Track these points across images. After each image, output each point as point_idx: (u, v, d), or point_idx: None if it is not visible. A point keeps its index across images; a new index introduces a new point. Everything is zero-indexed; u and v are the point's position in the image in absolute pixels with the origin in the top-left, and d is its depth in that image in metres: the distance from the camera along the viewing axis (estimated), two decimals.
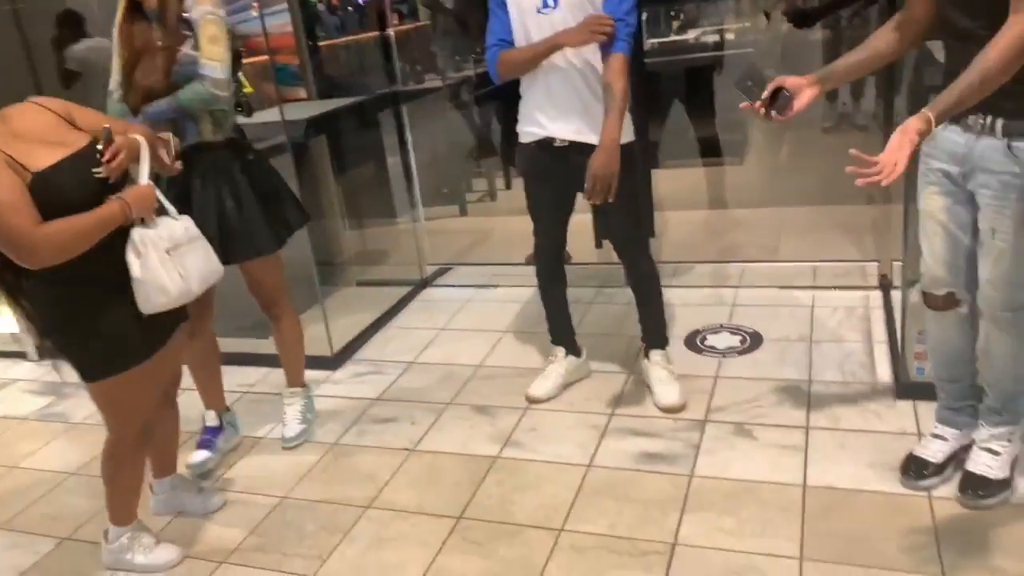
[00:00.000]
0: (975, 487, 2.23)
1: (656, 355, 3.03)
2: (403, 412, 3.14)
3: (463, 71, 5.41)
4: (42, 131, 2.06)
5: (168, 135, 2.35)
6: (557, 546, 2.30)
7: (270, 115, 3.65)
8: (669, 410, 2.88)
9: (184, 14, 2.51)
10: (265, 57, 3.82)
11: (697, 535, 2.27)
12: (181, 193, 2.57)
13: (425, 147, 5.56)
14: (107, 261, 2.10)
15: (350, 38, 4.97)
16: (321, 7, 4.80)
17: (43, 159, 1.99)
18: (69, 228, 1.99)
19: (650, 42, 4.84)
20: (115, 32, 2.57)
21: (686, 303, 3.72)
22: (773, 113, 2.10)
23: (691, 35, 5.14)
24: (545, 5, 2.61)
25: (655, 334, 3.05)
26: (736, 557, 2.17)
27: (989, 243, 2.04)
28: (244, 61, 3.78)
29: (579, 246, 3.68)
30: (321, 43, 4.60)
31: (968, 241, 2.13)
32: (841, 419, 2.71)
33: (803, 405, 2.82)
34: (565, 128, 2.71)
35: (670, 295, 3.51)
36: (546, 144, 2.75)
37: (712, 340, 3.37)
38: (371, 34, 4.59)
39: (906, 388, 2.76)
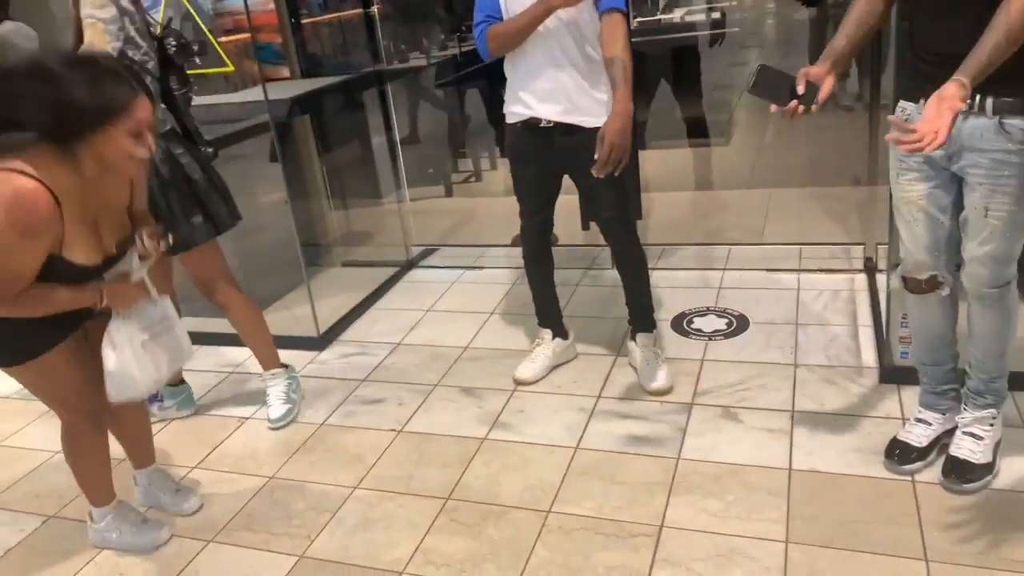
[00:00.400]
0: (958, 472, 2.26)
1: (643, 338, 3.04)
2: (390, 393, 3.14)
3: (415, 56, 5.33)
4: (109, 213, 2.07)
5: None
6: (545, 527, 2.32)
7: (253, 94, 3.62)
8: (656, 393, 2.89)
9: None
10: (247, 35, 3.78)
11: (684, 517, 2.29)
12: None
13: (410, 127, 5.54)
14: None
15: (333, 15, 4.92)
16: None
17: (79, 252, 1.99)
18: (42, 297, 1.99)
19: (636, 20, 4.82)
20: None
21: (673, 285, 3.73)
22: (801, 108, 1.99)
23: (677, 14, 5.12)
24: None
25: (642, 317, 3.06)
26: (722, 539, 2.19)
27: (980, 221, 2.05)
28: (224, 40, 3.75)
29: (566, 228, 3.68)
30: (304, 21, 4.55)
31: (948, 223, 2.14)
32: (826, 403, 2.73)
33: (789, 389, 2.84)
34: (551, 109, 2.70)
35: (657, 277, 3.52)
36: (532, 125, 2.74)
37: (699, 323, 3.39)
38: (355, 12, 4.55)
39: (890, 372, 2.79)
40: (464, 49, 5.21)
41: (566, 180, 2.89)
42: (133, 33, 2.59)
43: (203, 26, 3.73)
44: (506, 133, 2.86)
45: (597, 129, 2.67)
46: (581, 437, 2.71)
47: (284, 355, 3.51)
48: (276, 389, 3.04)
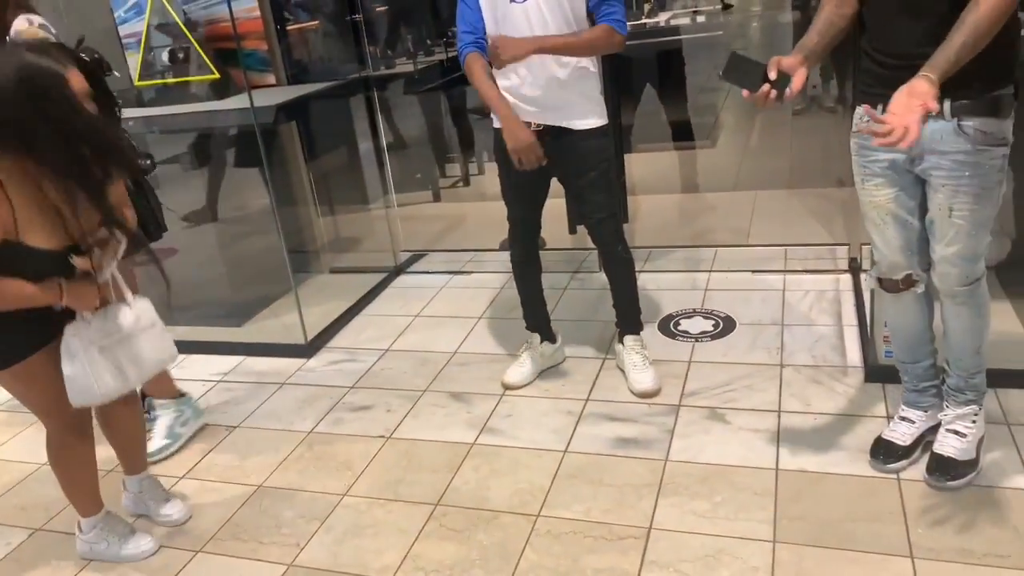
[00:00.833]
0: (942, 469, 2.27)
1: (630, 340, 3.05)
2: (379, 399, 3.14)
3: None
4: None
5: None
6: (534, 531, 2.32)
7: (238, 101, 3.62)
8: (644, 395, 2.90)
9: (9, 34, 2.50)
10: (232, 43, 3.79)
11: (672, 519, 2.30)
12: None
13: (397, 132, 5.54)
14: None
15: (320, 22, 4.91)
16: None
17: (39, 236, 1.97)
18: (2, 287, 1.98)
19: None
20: None
21: (659, 288, 3.75)
22: (773, 93, 1.97)
23: (662, 18, 5.14)
24: None
25: (629, 319, 3.07)
26: (710, 540, 2.20)
27: (945, 222, 2.08)
28: (210, 47, 3.75)
29: (553, 232, 3.69)
30: (290, 27, 4.55)
31: (917, 224, 2.17)
32: (812, 403, 2.75)
33: (775, 389, 2.86)
34: (540, 112, 2.71)
35: (643, 280, 3.54)
36: None
37: (685, 325, 3.40)
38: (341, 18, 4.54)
39: (875, 371, 2.81)
40: (451, 55, 5.23)
41: (554, 183, 2.91)
42: None
43: (188, 34, 3.73)
44: (495, 137, 2.87)
45: (586, 131, 2.70)
46: (569, 440, 2.72)
47: (272, 363, 3.53)
48: (163, 420, 2.96)
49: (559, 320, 3.31)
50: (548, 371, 3.16)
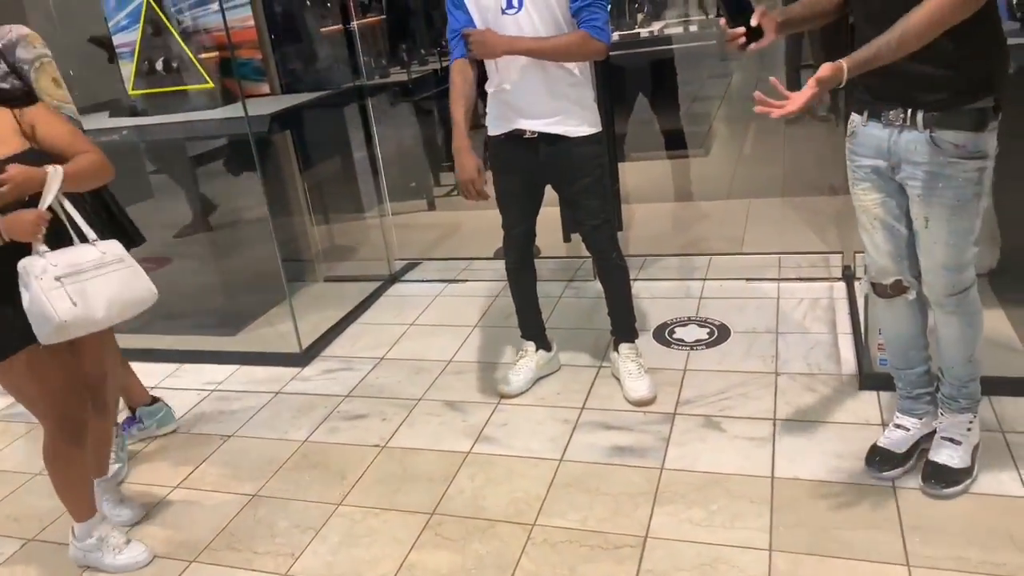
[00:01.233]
0: (938, 477, 2.28)
1: (626, 348, 3.05)
2: (374, 408, 3.13)
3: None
4: None
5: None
6: (530, 540, 2.32)
7: (233, 111, 3.62)
8: (639, 403, 2.90)
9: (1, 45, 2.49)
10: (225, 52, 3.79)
11: (668, 527, 2.30)
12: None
13: (392, 141, 5.54)
14: None
15: (314, 31, 4.92)
16: None
17: None
18: None
19: (616, 34, 4.85)
20: None
21: (654, 296, 3.75)
22: (742, 40, 2.02)
23: (655, 27, 5.16)
24: (509, 6, 2.61)
25: (625, 327, 3.08)
26: (706, 549, 2.20)
27: (923, 232, 2.10)
28: (204, 56, 3.75)
29: (548, 240, 3.69)
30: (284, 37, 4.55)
31: (905, 230, 2.18)
32: (807, 410, 2.75)
33: (770, 397, 2.86)
34: (535, 120, 2.72)
35: (638, 288, 3.54)
36: (516, 136, 2.76)
37: (680, 333, 3.40)
38: (335, 28, 4.55)
39: (870, 378, 2.81)
40: (444, 64, 5.24)
41: (548, 191, 2.92)
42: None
43: (181, 43, 3.73)
44: (488, 145, 2.88)
45: (581, 138, 2.71)
46: (565, 449, 2.72)
47: (266, 372, 3.52)
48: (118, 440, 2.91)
49: (554, 328, 3.31)
50: (543, 379, 3.16)
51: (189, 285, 3.98)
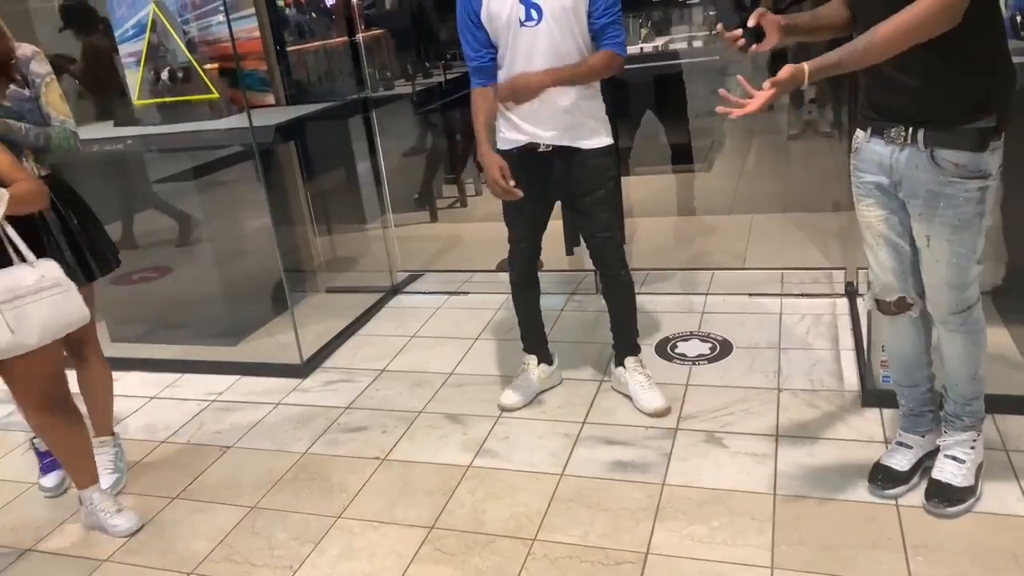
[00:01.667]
0: (941, 495, 2.26)
1: (631, 361, 3.04)
2: (374, 420, 3.12)
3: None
4: None
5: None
6: (530, 556, 2.30)
7: (238, 121, 3.62)
8: (656, 414, 2.89)
9: (15, 58, 2.48)
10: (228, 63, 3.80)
11: (669, 544, 2.28)
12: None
13: (395, 153, 5.55)
14: None
15: (319, 43, 4.94)
16: (290, 11, 4.76)
17: None
18: None
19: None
20: None
21: (656, 310, 3.75)
22: (742, 41, 2.02)
23: (660, 42, 5.17)
24: (528, 18, 2.60)
25: (629, 341, 3.07)
26: (708, 566, 2.18)
27: (925, 251, 2.09)
28: (209, 67, 3.77)
29: (550, 253, 3.68)
30: (290, 48, 4.57)
31: (909, 248, 2.18)
32: (810, 427, 2.74)
33: (772, 413, 2.85)
34: (550, 133, 2.73)
35: (641, 302, 3.51)
36: (530, 149, 2.76)
37: (682, 348, 3.40)
38: (340, 40, 4.57)
39: (873, 395, 2.80)
40: (449, 76, 5.26)
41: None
42: None
43: (188, 53, 3.74)
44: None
45: (595, 150, 2.71)
46: (566, 464, 2.70)
47: (267, 383, 3.51)
48: (104, 458, 2.87)
49: (556, 342, 3.30)
50: (545, 393, 3.15)
51: (190, 294, 3.98)
